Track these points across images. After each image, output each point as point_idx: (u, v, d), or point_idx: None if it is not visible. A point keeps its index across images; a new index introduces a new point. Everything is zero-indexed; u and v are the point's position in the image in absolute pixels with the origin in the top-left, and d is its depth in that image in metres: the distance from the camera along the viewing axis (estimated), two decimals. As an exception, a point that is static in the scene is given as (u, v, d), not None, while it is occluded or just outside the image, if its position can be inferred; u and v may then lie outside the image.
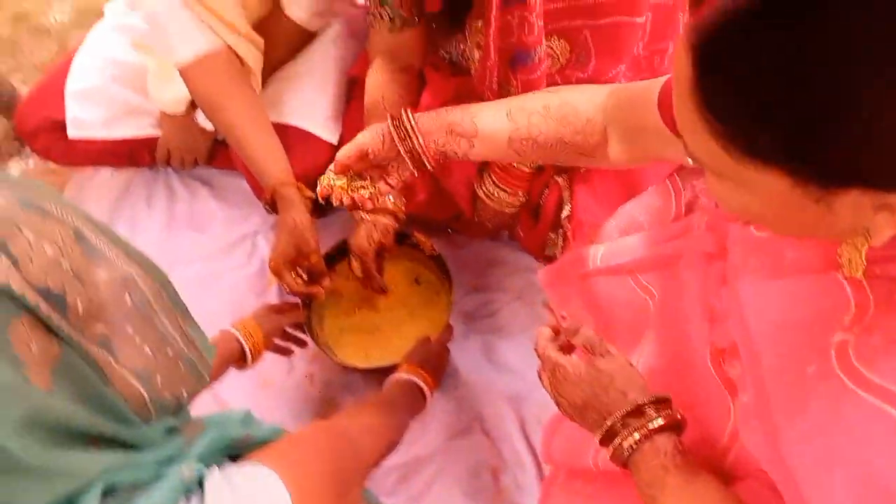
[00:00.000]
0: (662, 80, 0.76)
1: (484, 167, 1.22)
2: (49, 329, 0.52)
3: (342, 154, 0.90)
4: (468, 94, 1.14)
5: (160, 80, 1.41)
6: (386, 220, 1.14)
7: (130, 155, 1.56)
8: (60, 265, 0.53)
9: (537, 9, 0.92)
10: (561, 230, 1.20)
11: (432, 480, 1.18)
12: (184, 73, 1.23)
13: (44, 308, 0.51)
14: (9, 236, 0.51)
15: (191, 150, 1.52)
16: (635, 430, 0.67)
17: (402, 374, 1.11)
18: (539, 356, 0.78)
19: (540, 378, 0.78)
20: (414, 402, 1.09)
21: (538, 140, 0.83)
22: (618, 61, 1.00)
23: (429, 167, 0.87)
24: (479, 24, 1.00)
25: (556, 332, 0.81)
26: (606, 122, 0.82)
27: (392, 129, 0.86)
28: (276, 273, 1.19)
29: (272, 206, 1.20)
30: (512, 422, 1.21)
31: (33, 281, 0.51)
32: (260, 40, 1.29)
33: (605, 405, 0.69)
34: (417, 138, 0.85)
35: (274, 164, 1.20)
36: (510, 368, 1.27)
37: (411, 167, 0.88)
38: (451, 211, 1.34)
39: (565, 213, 1.18)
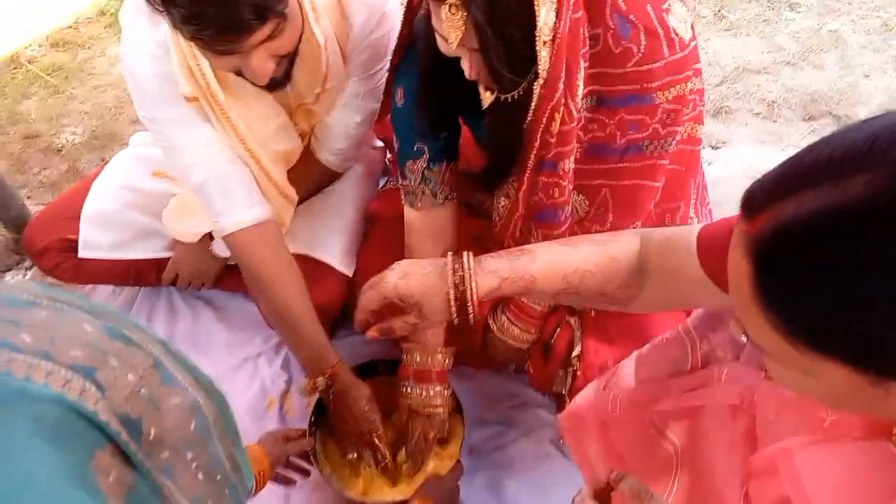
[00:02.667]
0: (694, 228, 0.80)
1: (499, 303, 1.26)
2: (125, 457, 0.52)
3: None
4: (486, 237, 1.21)
5: (181, 211, 1.45)
6: (437, 411, 1.19)
7: (137, 275, 1.57)
8: (140, 392, 0.54)
9: (569, 175, 1.00)
10: (571, 369, 1.23)
11: None
12: (230, 241, 1.27)
13: (124, 436, 0.52)
14: (98, 365, 0.52)
15: (201, 275, 1.54)
16: None
17: (413, 512, 1.10)
18: None
19: None
20: (428, 543, 1.07)
21: (581, 294, 0.86)
22: (635, 218, 1.08)
23: (471, 316, 0.87)
24: (511, 178, 1.07)
25: (593, 494, 0.81)
26: (642, 270, 0.84)
27: (451, 275, 0.86)
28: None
29: (315, 387, 1.22)
30: (522, 565, 1.18)
31: (116, 408, 0.51)
32: (294, 196, 1.37)
33: None
34: (474, 299, 0.85)
35: (327, 348, 1.23)
36: (518, 508, 1.26)
37: (454, 315, 0.87)
38: (460, 343, 1.37)
39: (576, 352, 1.22)
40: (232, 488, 0.62)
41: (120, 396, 0.52)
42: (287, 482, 1.20)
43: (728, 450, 0.82)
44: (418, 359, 1.17)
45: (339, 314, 1.47)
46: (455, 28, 0.82)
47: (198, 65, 1.12)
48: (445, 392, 1.19)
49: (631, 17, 0.92)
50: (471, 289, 0.85)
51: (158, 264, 1.56)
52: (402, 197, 1.18)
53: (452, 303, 0.86)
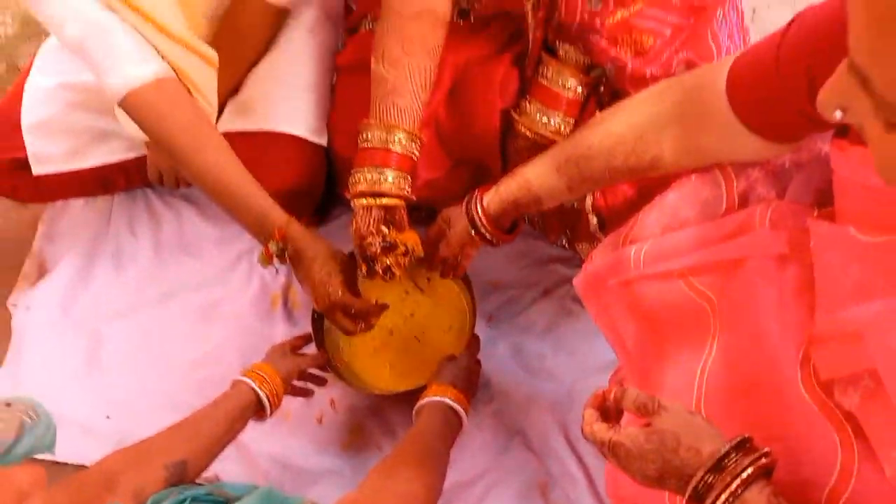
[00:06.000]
0: (724, 63, 0.71)
1: (523, 91, 1.08)
2: None
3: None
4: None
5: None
6: (388, 202, 0.99)
7: (104, 183, 1.43)
8: None
9: None
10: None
11: (477, 505, 1.10)
12: (128, 106, 1.04)
13: None
14: None
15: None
16: (721, 490, 0.59)
17: (432, 398, 1.02)
18: (592, 442, 0.70)
19: (604, 456, 0.70)
20: (451, 429, 1.00)
21: (594, 177, 0.87)
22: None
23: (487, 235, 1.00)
24: None
25: (599, 407, 0.73)
26: (661, 128, 0.78)
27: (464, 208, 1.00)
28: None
29: (281, 253, 1.06)
30: (555, 432, 1.12)
31: None
32: (213, 55, 1.12)
33: (680, 469, 0.61)
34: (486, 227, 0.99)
35: (270, 206, 1.05)
36: (546, 372, 1.18)
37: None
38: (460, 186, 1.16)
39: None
40: None
41: None
42: (304, 394, 1.13)
43: (778, 308, 0.69)
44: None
45: (322, 190, 1.31)
46: None
47: None
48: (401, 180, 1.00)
49: None
50: (477, 212, 0.98)
51: (125, 167, 1.40)
52: None
53: (468, 225, 0.99)
